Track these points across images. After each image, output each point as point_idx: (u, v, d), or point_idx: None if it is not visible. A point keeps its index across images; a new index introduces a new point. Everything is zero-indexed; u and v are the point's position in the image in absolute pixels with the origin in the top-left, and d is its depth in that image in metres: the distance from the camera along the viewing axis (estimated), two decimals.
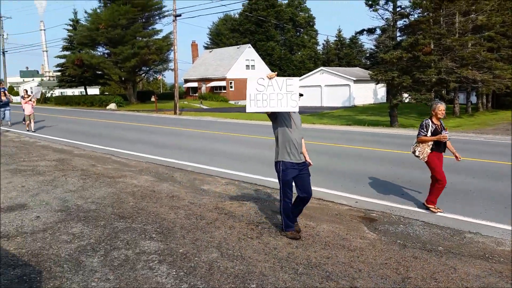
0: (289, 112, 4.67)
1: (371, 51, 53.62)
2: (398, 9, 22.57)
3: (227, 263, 4.01)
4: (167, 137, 14.41)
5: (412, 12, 22.99)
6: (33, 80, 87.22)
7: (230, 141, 13.36)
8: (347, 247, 4.55)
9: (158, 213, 5.56)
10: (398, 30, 23.60)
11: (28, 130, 15.75)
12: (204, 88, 52.08)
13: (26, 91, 18.63)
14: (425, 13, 22.38)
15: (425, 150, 5.89)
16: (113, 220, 5.24)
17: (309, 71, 49.12)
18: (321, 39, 79.05)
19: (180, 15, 29.34)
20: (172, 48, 38.63)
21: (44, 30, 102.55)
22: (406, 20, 22.99)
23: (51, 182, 7.33)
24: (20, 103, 17.88)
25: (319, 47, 71.24)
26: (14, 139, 13.61)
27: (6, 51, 47.90)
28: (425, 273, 3.92)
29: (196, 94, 52.16)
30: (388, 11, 22.73)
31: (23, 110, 16.01)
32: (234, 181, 7.66)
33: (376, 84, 25.68)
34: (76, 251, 4.23)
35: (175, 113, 28.94)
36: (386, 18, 22.96)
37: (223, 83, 49.30)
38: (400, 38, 23.83)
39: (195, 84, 53.85)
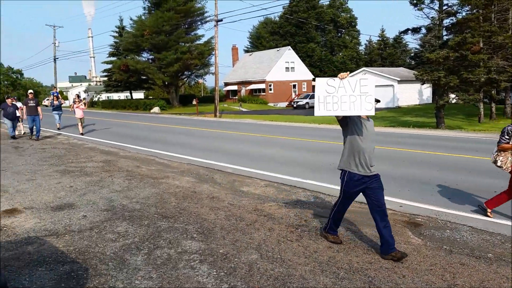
0: (362, 118, 4.29)
1: (416, 50, 51.90)
2: (444, 7, 21.71)
3: (267, 265, 4.01)
4: (207, 140, 14.65)
5: (460, 10, 22.06)
6: (81, 85, 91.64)
7: (268, 143, 13.38)
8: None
9: (199, 214, 5.67)
10: (444, 28, 22.70)
11: (82, 134, 16.30)
12: (243, 90, 52.54)
13: (78, 96, 19.50)
14: (474, 10, 21.37)
15: (509, 159, 5.38)
16: (156, 220, 5.40)
17: (351, 72, 48.24)
18: (363, 39, 77.59)
19: (221, 20, 29.79)
20: (213, 53, 39.35)
21: (92, 37, 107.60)
22: (453, 18, 22.06)
23: (98, 182, 7.65)
24: (70, 107, 19.18)
25: (361, 48, 69.94)
26: (63, 141, 14.34)
27: (57, 58, 50.64)
28: (473, 281, 3.73)
29: (236, 97, 52.72)
30: (434, 9, 21.91)
31: (74, 114, 16.61)
32: (273, 183, 7.66)
33: (422, 84, 24.78)
34: (121, 250, 4.39)
35: (215, 115, 29.39)
36: (431, 17, 22.14)
37: (262, 86, 49.50)
38: (447, 37, 22.91)
39: (234, 87, 54.45)
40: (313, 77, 54.85)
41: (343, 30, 66.89)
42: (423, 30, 23.12)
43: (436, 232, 5.07)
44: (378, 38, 66.38)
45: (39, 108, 14.91)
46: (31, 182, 7.66)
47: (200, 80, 58.59)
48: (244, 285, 3.59)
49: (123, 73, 44.01)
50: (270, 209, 5.91)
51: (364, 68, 41.79)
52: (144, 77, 45.96)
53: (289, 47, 53.44)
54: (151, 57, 44.69)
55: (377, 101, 4.21)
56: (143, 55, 45.54)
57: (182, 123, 22.82)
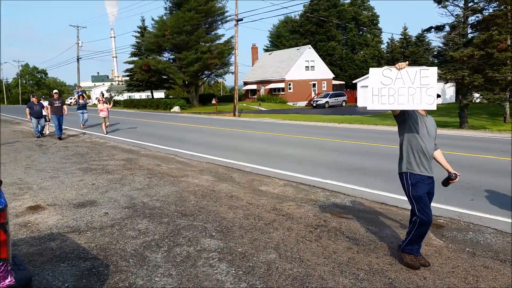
0: (420, 114, 3.94)
1: (439, 49, 50.86)
2: (470, 4, 21.11)
3: (286, 264, 3.99)
4: (226, 139, 14.71)
5: (486, 7, 21.39)
6: (103, 84, 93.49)
7: (287, 142, 13.34)
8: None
9: (217, 212, 5.68)
10: (469, 26, 22.09)
11: (107, 133, 16.35)
12: (262, 90, 52.52)
13: (103, 95, 19.62)
14: (502, 7, 20.72)
15: None
16: (176, 218, 5.44)
17: None
18: (385, 38, 76.46)
19: (241, 19, 29.86)
20: (233, 52, 39.50)
21: (114, 37, 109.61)
22: (479, 15, 21.43)
23: (119, 180, 7.78)
24: (94, 106, 19.38)
25: (383, 46, 68.82)
26: (86, 140, 14.64)
27: (80, 58, 51.78)
28: (498, 285, 3.62)
29: (255, 96, 52.75)
30: (459, 6, 21.33)
31: (99, 113, 16.65)
32: (291, 182, 7.62)
33: (445, 83, 24.25)
34: (141, 247, 4.44)
35: (234, 115, 29.49)
36: (456, 14, 21.57)
37: (281, 85, 49.37)
38: (472, 34, 22.29)
39: (254, 87, 54.49)
40: (333, 76, 54.40)
41: (365, 28, 66.02)
42: (447, 28, 22.55)
43: (459, 234, 4.94)
44: (400, 36, 65.21)
45: (65, 107, 14.99)
46: (54, 179, 7.85)
47: (220, 80, 58.97)
48: (262, 284, 3.58)
49: (145, 72, 44.66)
50: (288, 208, 5.89)
51: (386, 67, 41.12)
52: (165, 77, 46.52)
53: (309, 45, 53.11)
54: (172, 57, 45.21)
55: (438, 95, 3.81)
56: (164, 55, 46.14)
57: (202, 122, 22.98)
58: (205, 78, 49.15)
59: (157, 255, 4.21)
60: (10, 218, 5.34)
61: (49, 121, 16.28)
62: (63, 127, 15.14)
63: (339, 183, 7.45)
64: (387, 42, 68.88)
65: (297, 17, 68.99)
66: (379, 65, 55.57)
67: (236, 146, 12.69)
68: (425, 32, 27.65)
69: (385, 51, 67.47)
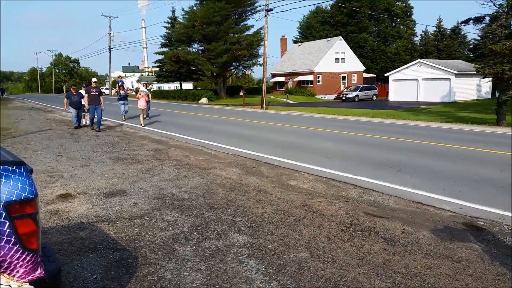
0: None
1: (475, 42, 48.75)
2: None
3: (318, 264, 3.82)
4: (254, 131, 14.58)
5: None
6: (133, 75, 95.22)
7: (316, 136, 13.07)
8: (452, 258, 4.08)
9: (246, 206, 5.57)
10: None
11: (144, 125, 15.77)
12: (290, 82, 52.01)
13: (146, 85, 18.89)
14: None
15: None
16: (204, 210, 5.36)
17: (405, 63, 46.24)
18: (418, 30, 74.06)
19: (272, 10, 29.49)
20: (262, 43, 39.19)
21: (145, 28, 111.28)
22: None
23: (148, 170, 7.79)
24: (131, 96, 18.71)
25: (416, 38, 66.69)
26: (117, 129, 14.84)
27: (112, 48, 52.69)
28: None
29: (283, 89, 52.31)
30: None
31: (137, 104, 16.06)
32: (321, 178, 7.41)
33: (483, 77, 23.16)
34: (170, 239, 4.38)
35: (261, 107, 29.31)
36: (499, 4, 20.50)
37: (310, 77, 48.71)
38: None
39: (282, 79, 54.04)
40: (364, 68, 53.24)
41: (398, 20, 64.11)
42: (487, 20, 21.54)
43: (502, 238, 4.63)
44: (434, 29, 63.01)
45: (101, 98, 14.35)
46: (85, 168, 7.94)
47: (248, 71, 58.72)
48: (294, 284, 3.43)
49: (174, 63, 44.99)
50: (319, 205, 5.70)
51: (419, 60, 39.82)
52: (193, 68, 46.74)
53: (340, 37, 52.06)
54: (201, 48, 45.34)
55: None
56: (193, 46, 46.30)
57: (229, 114, 22.95)
58: (233, 70, 49.08)
59: (186, 248, 4.13)
60: (41, 206, 5.41)
61: (86, 112, 15.81)
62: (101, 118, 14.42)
63: (372, 180, 7.19)
64: (421, 35, 66.77)
65: (328, 7, 67.76)
66: (412, 58, 53.94)
67: (263, 138, 12.54)
68: (462, 24, 26.51)
69: (418, 44, 65.41)
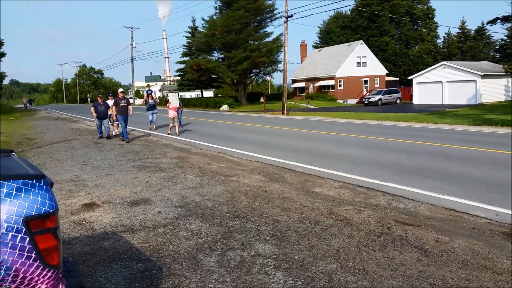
0: None
1: (502, 42, 47.30)
2: None
3: (348, 276, 3.63)
4: (275, 137, 14.43)
5: None
6: (156, 84, 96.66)
7: (339, 141, 12.80)
8: (491, 269, 3.82)
9: (270, 215, 5.42)
10: None
11: (169, 133, 15.43)
12: (311, 87, 51.66)
13: (177, 93, 18.50)
14: None
15: None
16: (228, 219, 5.24)
17: (427, 66, 45.25)
18: (441, 32, 72.48)
19: (291, 16, 29.42)
20: (281, 50, 39.13)
21: (166, 38, 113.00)
22: None
23: (171, 178, 7.74)
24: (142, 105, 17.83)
25: (439, 41, 65.27)
26: (140, 138, 14.95)
27: (134, 59, 53.65)
28: None
29: (303, 94, 51.99)
30: None
31: (168, 114, 15.46)
32: (347, 184, 7.19)
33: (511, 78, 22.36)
34: (194, 249, 4.27)
35: (282, 113, 29.15)
36: None
37: (331, 82, 48.25)
38: None
39: (302, 84, 53.76)
40: (386, 72, 52.45)
41: (420, 23, 62.96)
42: None
43: None
44: (458, 30, 61.60)
45: (130, 107, 14.02)
46: (109, 176, 7.97)
47: (268, 78, 58.78)
48: None
49: (195, 72, 45.47)
50: (347, 213, 5.49)
51: (443, 62, 38.89)
52: (214, 76, 47.10)
53: (361, 41, 51.47)
54: (221, 56, 45.65)
55: None
56: (213, 54, 46.67)
57: (250, 121, 22.89)
58: (253, 77, 49.19)
59: (210, 259, 4.01)
60: (66, 216, 5.41)
61: (113, 122, 15.52)
62: (127, 129, 14.14)
63: (401, 186, 6.92)
64: (444, 37, 65.41)
65: (348, 12, 67.22)
66: (435, 61, 52.79)
67: (286, 145, 12.37)
68: (488, 24, 25.72)
69: (441, 46, 64.05)
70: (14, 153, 3.10)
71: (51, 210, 1.99)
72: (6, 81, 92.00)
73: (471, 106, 32.74)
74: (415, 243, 4.42)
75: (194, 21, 53.68)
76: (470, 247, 4.33)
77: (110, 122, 15.30)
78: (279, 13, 42.00)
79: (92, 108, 14.56)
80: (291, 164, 9.16)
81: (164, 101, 43.30)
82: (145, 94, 19.14)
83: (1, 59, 49.51)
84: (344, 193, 6.58)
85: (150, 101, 17.24)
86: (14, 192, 1.92)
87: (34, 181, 2.01)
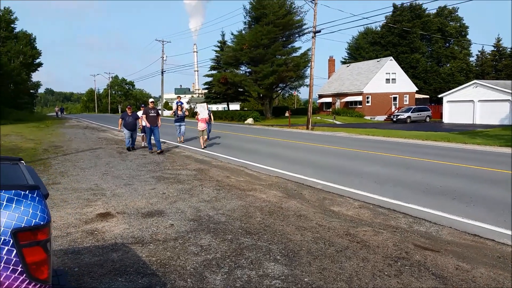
0: None
1: None
2: None
3: None
4: (297, 152, 14.24)
5: None
6: (185, 96, 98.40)
7: (364, 159, 12.47)
8: None
9: (284, 233, 5.26)
10: None
11: (203, 148, 14.91)
12: (338, 103, 51.20)
13: (207, 104, 18.13)
14: None
15: None
16: (239, 235, 5.13)
17: (459, 84, 44.08)
18: (474, 50, 70.71)
19: (319, 31, 29.35)
20: (309, 65, 39.03)
21: (196, 52, 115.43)
22: None
23: (188, 191, 7.71)
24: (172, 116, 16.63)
25: (472, 59, 63.62)
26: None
27: (164, 71, 54.76)
28: None
29: (330, 110, 51.56)
30: None
31: (197, 126, 14.97)
32: (368, 204, 6.94)
33: None
34: (201, 265, 4.17)
35: (307, 128, 28.91)
36: None
37: (359, 98, 47.67)
38: None
39: (329, 99, 53.38)
40: (416, 89, 51.43)
41: (452, 40, 61.63)
42: None
43: None
44: (492, 48, 59.96)
45: (159, 118, 13.74)
46: (128, 186, 8.02)
47: (294, 92, 58.65)
48: None
49: (222, 85, 45.97)
50: (364, 235, 5.27)
51: (475, 81, 37.78)
52: (240, 89, 47.46)
53: (391, 57, 50.77)
54: (248, 70, 46.02)
55: None
56: (241, 68, 47.10)
57: (273, 135, 22.78)
58: (280, 91, 49.22)
59: (216, 277, 3.90)
60: (79, 225, 5.43)
61: (141, 133, 15.20)
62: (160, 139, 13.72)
63: (424, 208, 6.62)
64: (477, 55, 63.76)
65: (378, 28, 66.68)
66: (467, 79, 51.37)
67: (307, 160, 12.17)
68: None
69: (474, 64, 62.40)
70: (22, 161, 3.12)
71: (42, 223, 1.95)
72: (41, 90, 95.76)
73: (504, 126, 31.52)
74: (434, 270, 4.16)
75: (223, 35, 54.36)
76: (493, 278, 4.04)
77: (142, 132, 14.96)
78: (308, 28, 42.01)
79: (120, 120, 14.25)
80: (311, 180, 8.97)
81: (191, 113, 43.94)
82: (174, 106, 18.67)
83: (38, 69, 51.70)
84: (364, 213, 6.35)
85: (179, 112, 16.84)
86: (4, 203, 1.89)
87: (26, 192, 1.98)
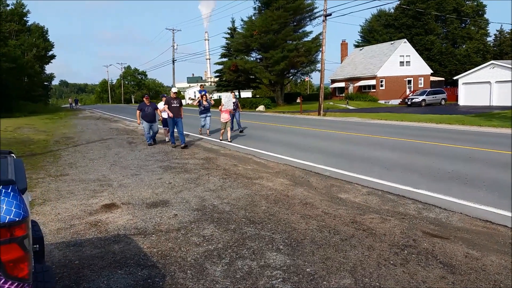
0: None
1: None
2: None
3: None
4: (307, 139, 14.06)
5: None
6: (197, 85, 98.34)
7: (375, 144, 12.23)
8: None
9: (288, 221, 5.17)
10: None
11: (226, 140, 13.47)
12: (351, 87, 50.49)
13: (234, 93, 16.80)
14: None
15: None
16: (243, 225, 5.05)
17: (476, 66, 42.89)
18: (492, 29, 68.55)
19: (330, 15, 28.81)
20: (320, 49, 38.50)
21: (208, 40, 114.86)
22: None
23: (195, 180, 7.66)
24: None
25: (490, 39, 61.73)
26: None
27: (176, 60, 54.74)
28: None
29: (343, 94, 50.92)
30: None
31: (220, 117, 13.56)
32: (376, 190, 6.79)
33: None
34: (202, 256, 4.12)
35: (319, 114, 28.61)
36: None
37: (372, 82, 46.90)
38: None
39: (342, 84, 52.67)
40: (431, 72, 50.33)
41: (468, 20, 59.85)
42: None
43: None
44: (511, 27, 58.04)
45: (181, 109, 12.36)
46: (135, 177, 8.01)
47: (307, 78, 58.08)
48: None
49: (233, 73, 45.74)
50: (371, 222, 5.14)
51: (492, 62, 36.70)
52: (251, 76, 47.14)
53: (405, 40, 49.67)
54: (259, 56, 45.63)
55: None
56: (251, 55, 46.73)
57: (284, 122, 22.59)
58: (291, 77, 48.76)
59: (216, 268, 3.84)
60: (84, 216, 5.43)
61: (160, 125, 14.06)
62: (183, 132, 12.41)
63: (434, 193, 6.43)
64: (495, 34, 61.83)
65: (392, 10, 65.17)
66: (484, 60, 49.95)
67: (316, 147, 12.00)
68: None
69: (491, 44, 60.57)
70: (13, 155, 3.07)
71: (17, 219, 1.88)
72: (56, 82, 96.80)
73: None
74: (442, 258, 4.02)
75: (233, 22, 54.31)
76: (504, 266, 3.88)
77: (165, 126, 13.68)
78: (318, 12, 41.32)
79: (138, 111, 12.74)
80: (319, 167, 8.83)
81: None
82: (198, 95, 16.73)
83: (51, 61, 52.23)
84: (372, 200, 6.20)
85: (204, 102, 15.10)
86: None
87: (0, 187, 1.91)
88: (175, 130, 12.44)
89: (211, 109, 15.70)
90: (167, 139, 13.71)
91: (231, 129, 15.27)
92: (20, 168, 2.57)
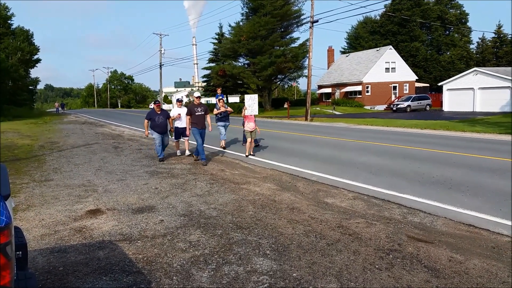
0: None
1: None
2: None
3: None
4: (295, 144, 14.13)
5: None
6: (184, 89, 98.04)
7: (361, 149, 12.36)
8: None
9: (275, 226, 5.18)
10: None
11: (250, 155, 11.29)
12: (337, 93, 50.93)
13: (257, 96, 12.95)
14: None
15: None
16: (230, 230, 5.04)
17: (459, 72, 43.66)
18: (475, 37, 70.02)
19: (317, 21, 29.10)
20: (307, 55, 38.79)
21: (195, 45, 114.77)
22: None
23: (181, 185, 7.62)
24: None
25: (473, 46, 63.06)
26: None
27: (163, 65, 54.47)
28: None
29: (329, 100, 51.31)
30: None
31: (244, 123, 11.50)
32: (362, 195, 6.85)
33: None
34: (188, 262, 4.09)
35: (306, 119, 28.77)
36: None
37: (358, 88, 47.39)
38: None
39: (328, 90, 53.08)
40: (416, 78, 51.09)
41: (452, 28, 61.04)
42: None
43: None
44: (493, 35, 59.37)
45: (208, 118, 10.30)
46: (120, 182, 7.93)
47: (294, 83, 58.39)
48: None
49: (220, 78, 45.70)
50: (357, 226, 5.18)
51: (475, 69, 37.43)
52: (239, 82, 47.17)
53: (390, 46, 50.35)
54: (246, 62, 45.73)
55: None
56: (239, 60, 46.80)
57: (271, 127, 22.64)
58: (279, 82, 48.94)
59: (203, 274, 3.82)
60: (68, 222, 5.35)
61: (172, 136, 11.70)
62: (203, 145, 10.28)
63: (419, 198, 6.52)
64: (477, 42, 63.17)
65: (377, 17, 66.11)
66: (468, 66, 50.95)
67: (303, 152, 12.06)
68: None
69: (474, 52, 61.86)
70: None
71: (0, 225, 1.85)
72: (41, 86, 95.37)
73: (504, 113, 31.31)
74: (426, 262, 4.08)
75: (221, 27, 54.01)
76: (487, 269, 3.95)
77: (171, 137, 11.61)
78: (305, 18, 41.68)
79: (146, 121, 10.57)
80: (306, 172, 8.87)
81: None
82: (215, 100, 14.62)
83: (36, 65, 51.48)
84: (357, 205, 6.26)
85: (222, 108, 12.83)
86: None
87: None
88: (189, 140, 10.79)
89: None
90: (178, 152, 11.82)
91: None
92: (4, 173, 2.54)
